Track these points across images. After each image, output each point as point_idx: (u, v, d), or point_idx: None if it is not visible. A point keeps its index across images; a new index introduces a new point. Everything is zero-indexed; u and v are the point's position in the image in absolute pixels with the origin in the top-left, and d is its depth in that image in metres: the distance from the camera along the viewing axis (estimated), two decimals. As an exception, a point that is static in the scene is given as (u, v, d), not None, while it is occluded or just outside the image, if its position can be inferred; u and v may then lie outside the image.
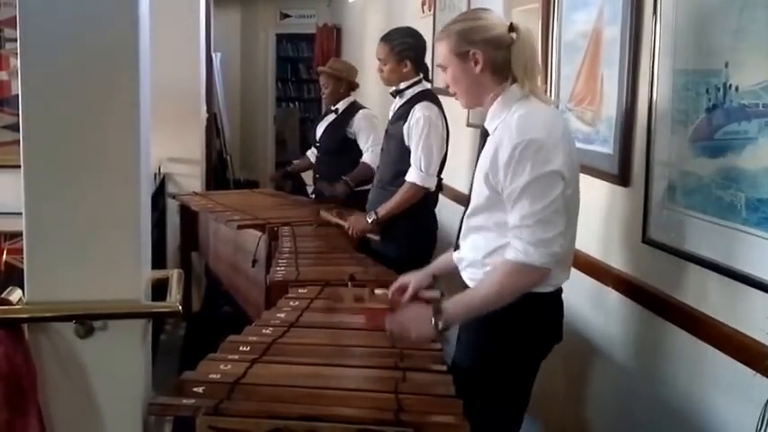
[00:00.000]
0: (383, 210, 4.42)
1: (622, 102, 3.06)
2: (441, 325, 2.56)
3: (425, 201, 4.39)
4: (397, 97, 4.55)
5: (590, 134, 3.31)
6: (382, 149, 4.74)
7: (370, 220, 4.44)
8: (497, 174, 2.56)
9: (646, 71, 2.90)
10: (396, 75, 4.52)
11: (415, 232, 4.40)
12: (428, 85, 4.56)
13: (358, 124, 5.76)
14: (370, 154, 5.61)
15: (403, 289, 3.02)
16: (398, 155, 4.42)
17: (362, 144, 5.71)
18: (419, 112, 4.31)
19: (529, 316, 2.63)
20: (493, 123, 2.68)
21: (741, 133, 2.35)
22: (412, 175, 4.32)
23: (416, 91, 4.45)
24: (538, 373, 2.83)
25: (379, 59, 4.58)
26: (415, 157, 4.31)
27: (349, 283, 3.36)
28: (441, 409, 2.21)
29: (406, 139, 4.36)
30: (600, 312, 3.31)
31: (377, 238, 4.45)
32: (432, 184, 4.33)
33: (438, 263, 3.13)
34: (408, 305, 2.83)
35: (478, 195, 2.69)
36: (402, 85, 4.51)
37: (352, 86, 6.01)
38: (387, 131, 4.63)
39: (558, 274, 2.67)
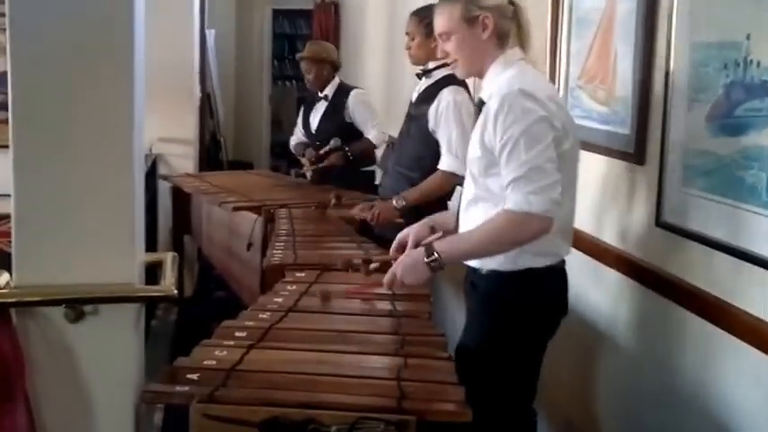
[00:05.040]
0: (411, 195, 4.30)
1: (637, 79, 3.03)
2: (434, 264, 2.72)
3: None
4: (423, 78, 4.45)
5: (605, 114, 3.29)
6: (401, 133, 4.66)
7: (397, 205, 4.29)
8: (488, 130, 2.66)
9: (662, 46, 2.88)
10: (423, 51, 4.37)
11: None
12: None
13: (353, 106, 5.79)
14: (375, 132, 5.67)
15: (403, 245, 3.05)
16: (420, 139, 4.35)
17: (362, 125, 5.73)
18: (449, 96, 4.20)
19: (534, 291, 2.75)
20: (488, 90, 2.80)
21: (764, 110, 2.32)
22: (448, 164, 4.20)
23: (444, 73, 4.27)
24: (543, 361, 2.87)
25: (407, 34, 4.46)
26: (449, 145, 4.19)
27: (350, 270, 3.35)
28: (443, 397, 2.21)
29: (431, 123, 4.27)
30: (609, 297, 3.30)
31: (401, 221, 4.38)
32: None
33: (435, 217, 3.24)
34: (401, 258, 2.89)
35: (473, 162, 2.78)
36: (430, 65, 4.38)
37: (336, 67, 6.02)
38: (408, 113, 4.55)
39: (560, 243, 2.80)
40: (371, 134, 5.70)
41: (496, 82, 2.76)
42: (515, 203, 2.57)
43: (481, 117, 2.75)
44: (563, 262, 2.86)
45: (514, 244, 2.66)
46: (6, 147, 2.30)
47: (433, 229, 3.13)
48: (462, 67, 2.91)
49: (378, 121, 5.79)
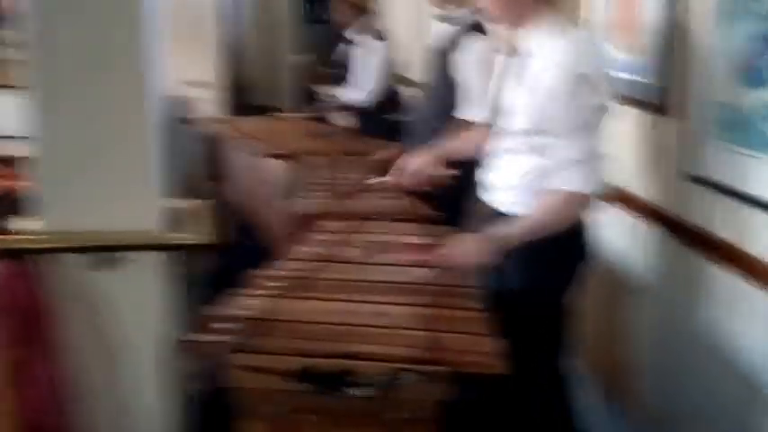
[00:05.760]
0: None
1: (663, 28, 3.00)
2: (493, 249, 2.70)
3: None
4: (446, 25, 4.38)
5: (630, 63, 3.27)
6: (427, 81, 4.61)
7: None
8: (546, 104, 2.66)
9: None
10: None
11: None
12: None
13: (362, 57, 5.79)
14: (358, 89, 5.74)
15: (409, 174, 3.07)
16: (444, 88, 4.32)
17: (359, 76, 5.75)
18: (473, 44, 4.15)
19: (570, 239, 2.80)
20: (532, 46, 2.76)
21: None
22: (473, 113, 4.18)
23: (468, 20, 4.19)
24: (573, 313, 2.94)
25: None
26: (473, 94, 4.16)
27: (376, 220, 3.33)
28: (478, 348, 2.21)
29: (455, 71, 4.24)
30: (638, 249, 3.31)
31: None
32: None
33: (449, 147, 3.33)
34: (458, 238, 2.84)
35: (517, 119, 2.79)
36: (454, 12, 4.31)
37: (366, 11, 5.99)
38: (432, 62, 4.52)
39: None
40: (355, 89, 5.76)
41: (546, 46, 2.72)
42: (574, 184, 2.66)
43: (530, 79, 2.74)
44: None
45: (569, 221, 2.74)
46: (12, 86, 2.28)
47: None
48: (500, 20, 2.90)
49: (374, 81, 5.77)
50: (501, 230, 2.75)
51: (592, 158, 2.66)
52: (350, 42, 5.95)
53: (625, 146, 3.32)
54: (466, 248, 2.74)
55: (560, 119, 2.65)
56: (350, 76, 5.90)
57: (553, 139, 2.68)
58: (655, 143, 3.16)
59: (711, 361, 2.81)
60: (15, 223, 2.38)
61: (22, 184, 2.40)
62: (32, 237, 2.33)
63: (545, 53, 2.71)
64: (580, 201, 2.69)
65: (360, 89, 5.72)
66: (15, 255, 2.26)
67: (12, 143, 2.35)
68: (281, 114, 7.21)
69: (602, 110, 2.67)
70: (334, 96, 6.11)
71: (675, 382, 3.06)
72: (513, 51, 2.87)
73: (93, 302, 2.35)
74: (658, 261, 3.18)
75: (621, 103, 3.27)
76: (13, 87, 2.36)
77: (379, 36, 5.90)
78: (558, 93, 2.63)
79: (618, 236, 3.43)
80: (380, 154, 4.61)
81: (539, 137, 2.72)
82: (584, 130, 2.64)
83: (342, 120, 6.11)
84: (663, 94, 3.03)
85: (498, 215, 2.89)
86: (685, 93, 2.87)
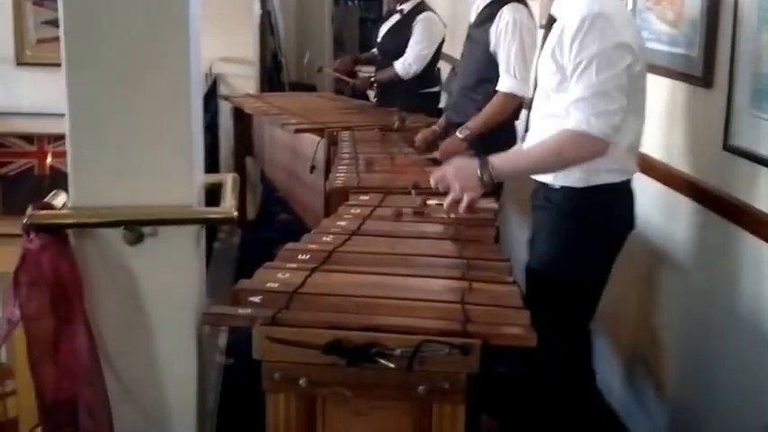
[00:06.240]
0: (475, 124, 4.29)
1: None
2: (486, 178, 2.76)
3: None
4: None
5: (673, 36, 3.24)
6: (463, 54, 4.61)
7: (462, 137, 4.29)
8: (563, 48, 2.69)
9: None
10: None
11: (494, 146, 4.20)
12: None
13: (416, 25, 5.71)
14: (407, 59, 5.64)
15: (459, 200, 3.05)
16: (483, 60, 4.30)
17: (408, 47, 5.67)
18: (508, 14, 4.16)
19: (608, 205, 2.83)
20: (560, 7, 2.81)
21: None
22: (507, 85, 4.19)
23: None
24: (610, 289, 2.95)
25: None
26: (508, 65, 4.17)
27: (412, 192, 3.31)
28: (509, 321, 2.19)
29: (492, 43, 4.24)
30: (677, 222, 3.28)
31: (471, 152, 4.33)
32: (528, 92, 4.02)
33: None
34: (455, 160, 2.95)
35: (547, 77, 2.82)
36: None
37: None
38: (468, 35, 4.51)
39: (630, 161, 2.86)
40: (401, 61, 5.67)
41: (572, 1, 2.74)
42: (576, 123, 2.63)
43: (554, 34, 2.77)
44: (630, 180, 2.90)
45: (569, 163, 2.72)
46: (60, 65, 2.29)
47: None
48: None
49: (421, 50, 5.68)
50: (495, 160, 2.79)
51: (598, 97, 2.61)
52: (399, 16, 5.90)
53: (666, 118, 3.30)
54: (456, 172, 2.81)
55: (570, 58, 2.65)
56: (393, 51, 5.86)
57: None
58: (698, 115, 3.13)
59: (749, 338, 2.77)
60: (55, 198, 2.39)
61: (63, 160, 2.40)
62: (68, 211, 2.34)
63: (566, 8, 2.74)
64: (581, 140, 2.65)
65: (402, 63, 5.67)
66: (50, 229, 2.27)
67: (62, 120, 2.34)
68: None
69: (621, 48, 2.63)
70: (372, 71, 6.08)
71: (710, 359, 3.03)
72: (548, 21, 2.90)
73: (129, 277, 2.35)
74: (695, 234, 3.15)
75: (665, 76, 3.25)
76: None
77: (427, 10, 5.85)
78: (570, 34, 2.65)
79: (658, 209, 3.40)
80: (422, 132, 4.62)
81: (565, 95, 2.72)
82: (591, 67, 2.61)
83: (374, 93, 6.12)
84: (706, 66, 3.00)
85: (537, 184, 2.94)
86: (729, 65, 2.83)
